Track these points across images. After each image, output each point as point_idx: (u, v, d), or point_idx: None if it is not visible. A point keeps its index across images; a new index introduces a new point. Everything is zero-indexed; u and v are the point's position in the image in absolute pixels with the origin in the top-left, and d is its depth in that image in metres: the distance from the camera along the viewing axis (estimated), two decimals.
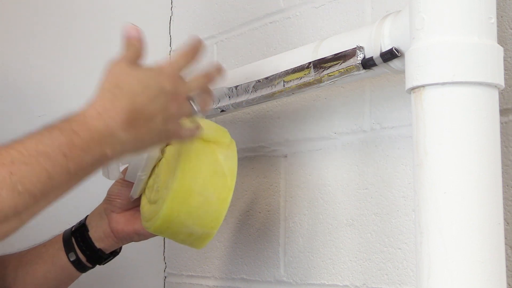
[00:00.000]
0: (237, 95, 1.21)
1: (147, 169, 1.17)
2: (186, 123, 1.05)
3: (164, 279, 1.57)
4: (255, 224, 1.34)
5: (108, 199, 1.23)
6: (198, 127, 1.07)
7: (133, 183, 1.21)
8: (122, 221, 1.23)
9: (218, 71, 1.09)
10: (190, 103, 1.04)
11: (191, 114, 1.05)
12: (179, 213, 1.10)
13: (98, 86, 1.00)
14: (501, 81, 0.84)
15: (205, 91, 1.08)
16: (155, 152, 1.16)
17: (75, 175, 0.92)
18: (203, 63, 1.11)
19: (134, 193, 1.21)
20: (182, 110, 1.03)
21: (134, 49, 1.04)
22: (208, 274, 1.45)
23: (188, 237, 1.14)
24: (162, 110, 0.99)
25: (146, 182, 1.19)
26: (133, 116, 0.97)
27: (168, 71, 1.02)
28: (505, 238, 0.84)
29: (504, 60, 0.87)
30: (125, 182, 1.22)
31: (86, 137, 0.93)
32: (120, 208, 1.23)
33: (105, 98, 0.97)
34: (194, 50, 1.07)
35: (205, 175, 1.10)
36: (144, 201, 1.19)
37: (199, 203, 1.10)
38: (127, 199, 1.22)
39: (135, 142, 0.98)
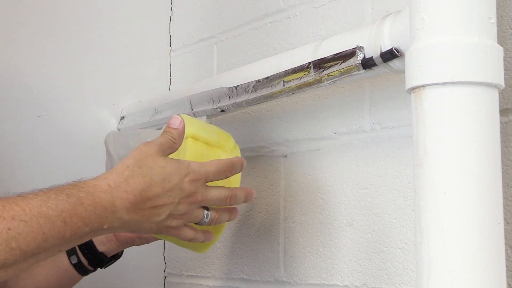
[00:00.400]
0: (237, 95, 1.21)
1: None
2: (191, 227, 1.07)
3: (164, 279, 1.57)
4: (255, 224, 1.34)
5: None
6: (200, 237, 1.08)
7: None
8: None
9: (247, 196, 1.10)
10: (204, 212, 1.06)
11: (199, 221, 1.06)
12: None
13: (122, 161, 1.01)
14: (501, 81, 0.84)
15: (224, 208, 1.09)
16: None
17: (69, 241, 0.94)
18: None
19: None
20: (192, 214, 1.04)
21: (170, 138, 1.05)
22: (208, 274, 1.45)
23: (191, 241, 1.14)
24: (171, 205, 1.01)
25: None
26: (141, 202, 0.98)
27: (194, 171, 1.03)
28: (505, 238, 0.84)
29: (504, 60, 0.87)
30: None
31: (89, 209, 0.94)
32: None
33: (122, 174, 0.98)
34: (232, 167, 1.08)
35: None
36: None
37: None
38: None
39: (133, 225, 0.99)
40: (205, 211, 1.06)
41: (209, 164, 1.06)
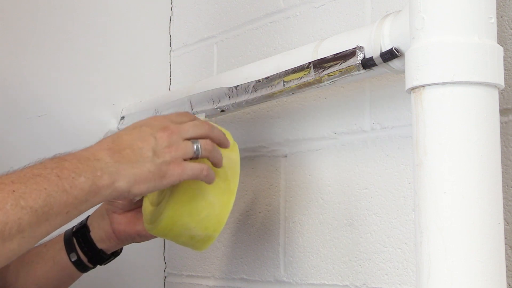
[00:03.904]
0: (237, 95, 1.21)
1: None
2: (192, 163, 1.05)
3: (164, 279, 1.57)
4: (255, 224, 1.34)
5: (110, 200, 1.23)
6: (205, 168, 1.06)
7: None
8: (123, 222, 1.22)
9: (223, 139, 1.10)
10: (191, 143, 1.05)
11: (193, 154, 1.05)
12: (182, 216, 1.10)
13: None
14: (501, 81, 0.84)
15: (206, 138, 1.08)
16: None
17: (72, 196, 0.95)
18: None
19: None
20: (179, 146, 1.04)
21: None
22: (208, 274, 1.45)
23: (190, 239, 1.14)
24: (150, 143, 1.02)
25: None
26: (118, 150, 1.01)
27: (155, 116, 1.08)
28: (505, 238, 0.84)
29: (504, 60, 0.87)
30: None
31: (73, 162, 0.97)
32: (121, 209, 1.22)
33: (92, 144, 1.04)
34: (189, 115, 1.09)
35: None
36: (146, 203, 1.19)
37: (201, 207, 1.10)
38: (128, 200, 1.22)
39: (128, 169, 1.00)
40: (193, 143, 1.05)
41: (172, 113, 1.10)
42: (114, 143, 1.02)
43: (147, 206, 1.18)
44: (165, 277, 1.57)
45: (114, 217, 1.23)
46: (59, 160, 0.97)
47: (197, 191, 1.09)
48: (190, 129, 1.06)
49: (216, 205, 1.10)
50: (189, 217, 1.10)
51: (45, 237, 0.96)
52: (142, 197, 1.21)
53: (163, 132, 1.04)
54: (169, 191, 1.11)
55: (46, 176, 0.94)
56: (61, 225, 0.96)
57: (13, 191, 0.91)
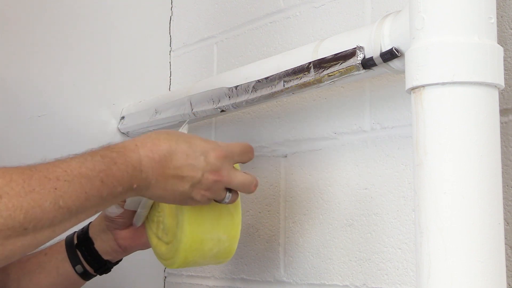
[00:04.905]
0: (237, 95, 1.21)
1: (147, 207, 1.18)
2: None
3: (164, 279, 1.57)
4: (255, 224, 1.34)
5: (109, 219, 1.21)
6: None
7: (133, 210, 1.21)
8: (128, 237, 1.22)
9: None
10: (226, 193, 1.07)
11: (219, 201, 1.07)
12: (194, 258, 1.12)
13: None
14: (501, 81, 0.84)
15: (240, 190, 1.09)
16: None
17: (105, 201, 0.97)
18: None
19: (137, 223, 1.21)
20: (215, 192, 1.05)
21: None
22: (208, 274, 1.45)
23: (205, 266, 1.15)
24: (194, 178, 1.02)
25: (147, 215, 1.20)
26: (165, 166, 1.01)
27: (221, 147, 1.05)
28: (505, 238, 0.84)
29: (504, 60, 0.87)
30: (123, 203, 1.20)
31: (122, 168, 0.97)
32: (123, 225, 1.21)
33: (149, 137, 1.02)
34: (252, 151, 1.09)
35: (212, 220, 1.11)
36: (154, 239, 1.18)
37: (211, 246, 1.11)
38: (128, 217, 1.20)
39: (158, 189, 1.02)
40: (227, 193, 1.07)
41: (234, 144, 1.08)
42: (165, 157, 1.01)
43: (157, 243, 1.17)
44: (165, 277, 1.57)
45: (118, 233, 1.22)
46: (110, 162, 0.97)
47: (206, 232, 1.11)
48: (236, 184, 1.07)
49: (225, 241, 1.12)
50: (201, 257, 1.12)
51: (72, 226, 0.96)
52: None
53: (212, 176, 1.04)
54: (176, 238, 1.12)
55: (91, 178, 0.94)
56: (86, 219, 0.98)
57: (55, 188, 0.91)
